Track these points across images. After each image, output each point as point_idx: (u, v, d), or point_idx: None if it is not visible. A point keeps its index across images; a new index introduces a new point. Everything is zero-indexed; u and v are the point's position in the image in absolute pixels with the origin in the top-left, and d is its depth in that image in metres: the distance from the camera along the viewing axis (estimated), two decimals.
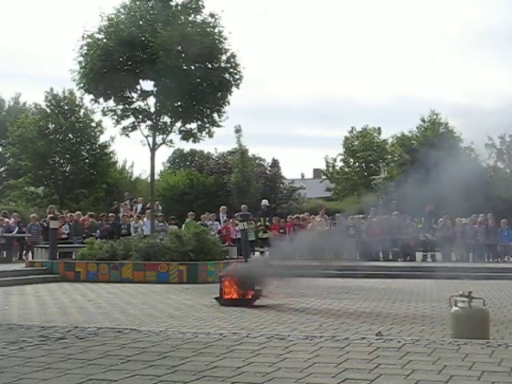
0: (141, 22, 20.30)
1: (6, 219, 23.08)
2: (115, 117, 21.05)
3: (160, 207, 26.80)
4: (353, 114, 79.81)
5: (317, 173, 54.77)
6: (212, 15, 20.44)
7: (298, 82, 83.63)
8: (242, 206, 25.67)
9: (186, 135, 21.52)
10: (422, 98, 69.70)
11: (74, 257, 19.21)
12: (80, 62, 20.11)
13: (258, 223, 24.11)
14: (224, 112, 21.20)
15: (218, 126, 21.37)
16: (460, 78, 73.83)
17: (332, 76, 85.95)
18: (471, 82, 67.92)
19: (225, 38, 20.42)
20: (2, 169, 46.88)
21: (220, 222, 24.75)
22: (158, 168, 49.74)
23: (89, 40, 20.10)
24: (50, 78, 75.37)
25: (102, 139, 36.32)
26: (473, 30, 76.16)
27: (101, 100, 20.80)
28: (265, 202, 26.00)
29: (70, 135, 35.10)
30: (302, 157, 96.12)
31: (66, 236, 21.97)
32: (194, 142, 21.92)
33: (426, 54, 76.57)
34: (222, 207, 26.01)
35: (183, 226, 22.80)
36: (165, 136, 21.36)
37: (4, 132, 39.59)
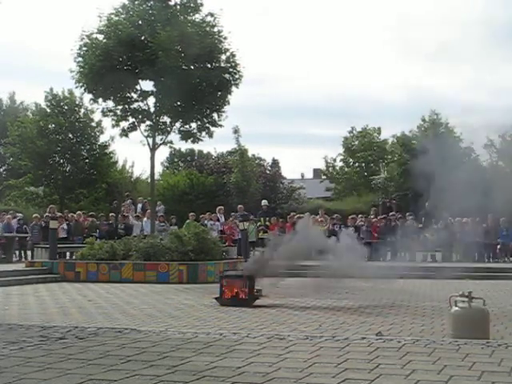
0: (140, 22, 20.33)
1: (8, 215, 23.12)
2: (115, 118, 21.08)
3: (163, 206, 26.76)
4: (354, 113, 79.82)
5: (317, 173, 54.76)
6: (211, 14, 20.47)
7: (299, 80, 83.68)
8: (239, 206, 25.68)
9: (186, 135, 21.53)
10: (428, 94, 69.49)
11: (74, 257, 19.20)
12: (79, 63, 20.14)
13: (258, 223, 24.10)
14: (224, 112, 21.23)
15: (218, 125, 21.39)
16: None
17: (333, 74, 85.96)
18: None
19: (224, 38, 20.46)
20: (2, 169, 46.90)
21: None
22: (157, 168, 49.73)
23: (87, 41, 20.13)
24: (49, 74, 75.30)
25: (102, 139, 36.36)
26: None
27: (100, 100, 20.85)
28: (265, 202, 26.01)
29: (70, 135, 35.07)
30: (301, 157, 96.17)
31: (65, 236, 21.93)
32: (194, 142, 21.95)
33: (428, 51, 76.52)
34: (219, 207, 25.97)
35: (184, 226, 22.78)
36: (164, 136, 21.39)
37: (4, 132, 39.61)
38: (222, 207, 26.10)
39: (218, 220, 24.85)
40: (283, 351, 5.37)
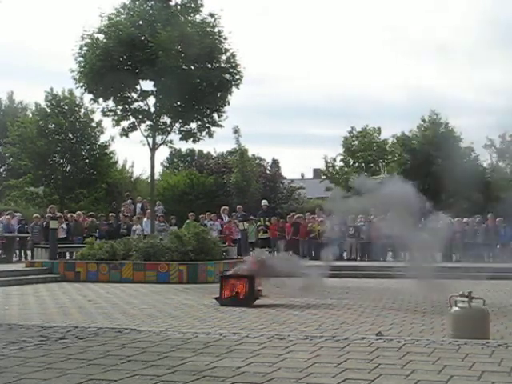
0: (140, 22, 20.33)
1: (7, 216, 23.13)
2: (115, 117, 21.08)
3: (162, 207, 26.78)
4: (354, 113, 79.86)
5: (317, 173, 54.76)
6: (211, 15, 20.48)
7: (299, 80, 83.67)
8: (238, 206, 25.70)
9: (186, 135, 21.53)
10: (428, 94, 69.35)
11: (74, 257, 19.20)
12: (80, 62, 20.14)
13: (258, 223, 24.11)
14: (224, 112, 21.23)
15: (218, 125, 21.39)
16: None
17: (333, 74, 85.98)
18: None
19: (225, 38, 20.47)
20: (2, 169, 46.88)
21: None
22: (157, 168, 49.71)
23: (88, 40, 20.13)
24: (49, 74, 75.30)
25: (102, 139, 36.35)
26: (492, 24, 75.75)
27: (100, 100, 20.85)
28: (265, 202, 26.03)
29: (70, 135, 35.06)
30: (301, 157, 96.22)
31: (64, 236, 21.92)
32: (194, 142, 21.96)
33: (431, 49, 76.46)
34: (224, 207, 26.00)
35: (184, 226, 22.78)
36: (164, 136, 21.39)
37: (4, 132, 39.59)
38: (227, 207, 26.14)
39: (222, 219, 24.89)
40: (283, 351, 5.36)
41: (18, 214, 25.11)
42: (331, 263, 13.99)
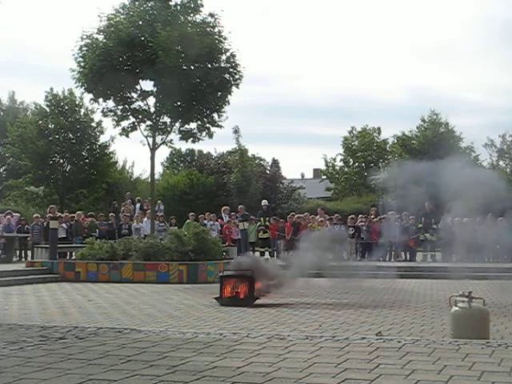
0: (140, 22, 20.31)
1: (8, 216, 23.11)
2: (115, 118, 21.07)
3: (162, 207, 26.78)
4: (354, 113, 79.85)
5: (317, 173, 54.76)
6: (211, 15, 20.47)
7: (299, 80, 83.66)
8: (239, 206, 25.70)
9: (186, 135, 21.52)
10: (428, 94, 69.28)
11: (74, 257, 19.19)
12: (79, 62, 20.14)
13: (258, 223, 24.09)
14: (224, 112, 21.22)
15: (218, 126, 21.38)
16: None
17: (333, 74, 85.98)
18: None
19: (224, 38, 20.45)
20: (2, 169, 46.90)
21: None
22: (157, 168, 49.72)
23: (88, 41, 20.12)
24: (49, 74, 75.30)
25: (102, 139, 36.38)
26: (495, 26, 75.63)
27: (100, 100, 20.84)
28: (265, 202, 26.00)
29: (70, 135, 35.09)
30: (302, 157, 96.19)
31: (64, 236, 21.90)
32: (194, 142, 21.94)
33: (431, 49, 76.41)
34: (225, 207, 25.99)
35: (184, 226, 22.77)
36: (164, 136, 21.38)
37: (4, 132, 39.62)
38: (228, 207, 26.13)
39: (222, 219, 24.87)
40: (283, 351, 5.36)
41: (17, 214, 25.11)
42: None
